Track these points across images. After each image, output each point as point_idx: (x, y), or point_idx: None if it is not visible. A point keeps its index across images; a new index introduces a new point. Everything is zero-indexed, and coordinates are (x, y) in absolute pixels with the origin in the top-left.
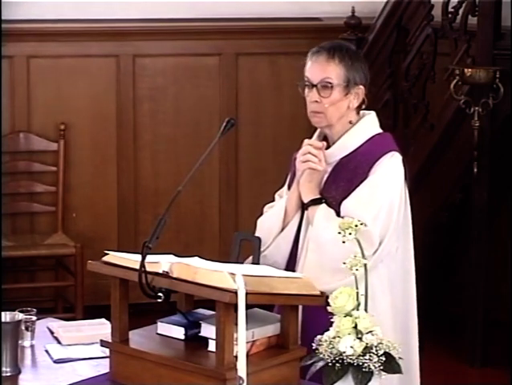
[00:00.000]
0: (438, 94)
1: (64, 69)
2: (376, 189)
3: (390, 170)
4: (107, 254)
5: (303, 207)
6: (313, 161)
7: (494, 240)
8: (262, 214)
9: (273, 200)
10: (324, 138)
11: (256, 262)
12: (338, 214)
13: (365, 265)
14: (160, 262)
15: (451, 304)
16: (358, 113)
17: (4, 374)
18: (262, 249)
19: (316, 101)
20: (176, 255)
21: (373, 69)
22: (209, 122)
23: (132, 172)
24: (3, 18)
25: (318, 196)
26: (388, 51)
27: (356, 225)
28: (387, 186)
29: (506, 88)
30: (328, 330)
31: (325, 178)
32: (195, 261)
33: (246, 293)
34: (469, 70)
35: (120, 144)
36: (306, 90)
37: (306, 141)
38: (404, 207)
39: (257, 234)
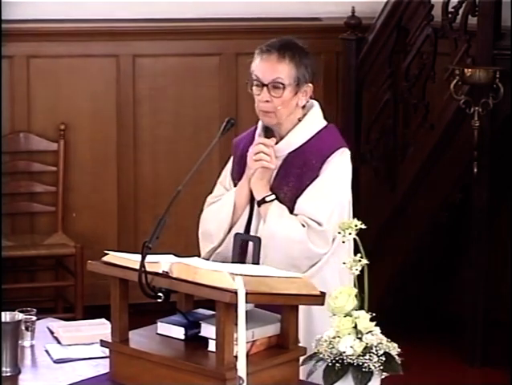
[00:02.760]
0: (438, 94)
1: (64, 69)
2: (329, 188)
3: (341, 167)
4: (107, 254)
5: (252, 202)
6: (265, 160)
7: (494, 240)
8: (203, 207)
9: (211, 192)
10: (266, 130)
11: (256, 262)
12: (290, 211)
13: (365, 265)
14: (160, 262)
15: (451, 304)
16: (304, 107)
17: (4, 374)
18: (212, 246)
19: (267, 101)
20: (176, 255)
21: (373, 69)
22: (209, 122)
23: (132, 172)
24: (3, 18)
25: (270, 193)
26: (388, 51)
27: (356, 225)
28: (339, 184)
29: (506, 88)
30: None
31: (274, 173)
32: (195, 261)
33: (246, 293)
34: (469, 70)
35: (120, 144)
36: (255, 88)
37: (258, 139)
38: (349, 202)
39: (203, 227)
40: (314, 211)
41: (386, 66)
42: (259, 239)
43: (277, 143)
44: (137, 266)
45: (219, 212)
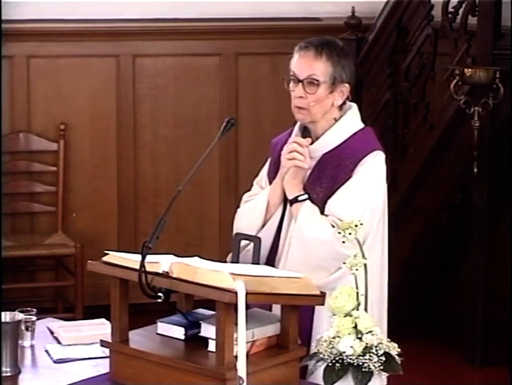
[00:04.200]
0: (438, 94)
1: (64, 69)
2: (361, 190)
3: (374, 170)
4: (107, 254)
5: (286, 201)
6: (299, 159)
7: (494, 240)
8: (239, 204)
9: (249, 190)
10: (305, 129)
11: (256, 262)
12: (322, 211)
13: (365, 265)
14: (160, 262)
15: (451, 304)
16: (341, 108)
17: (4, 374)
18: (244, 243)
19: (301, 96)
20: (176, 255)
21: (373, 69)
22: (209, 122)
23: (132, 172)
24: (3, 18)
25: (303, 193)
26: (388, 51)
27: (356, 225)
28: (371, 186)
29: (506, 88)
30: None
31: (308, 173)
32: (195, 261)
33: (246, 293)
34: (469, 70)
35: (120, 144)
36: (292, 84)
37: (292, 138)
38: (383, 206)
39: (237, 225)
40: (343, 212)
41: (386, 66)
42: (259, 239)
43: (312, 143)
44: (137, 266)
45: (252, 211)
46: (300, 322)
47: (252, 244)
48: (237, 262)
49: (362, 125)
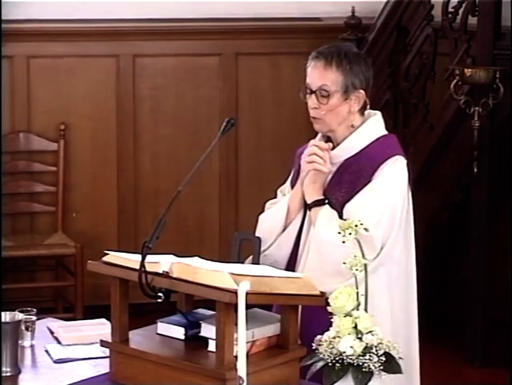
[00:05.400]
0: (438, 94)
1: (64, 69)
2: (379, 194)
3: (393, 174)
4: (107, 254)
5: (306, 207)
6: (318, 162)
7: (494, 239)
8: (263, 210)
9: (275, 197)
10: (328, 137)
11: (256, 262)
12: (341, 216)
13: (365, 265)
14: (160, 262)
15: (451, 304)
16: (363, 114)
17: (4, 374)
18: (263, 248)
19: (315, 107)
20: (176, 255)
21: (373, 69)
22: (209, 122)
23: (132, 172)
24: (3, 18)
25: (322, 197)
26: (388, 51)
27: (356, 225)
28: (390, 191)
29: (506, 88)
30: (328, 330)
31: (329, 179)
32: (195, 261)
33: (246, 293)
34: (469, 70)
35: (120, 144)
36: (307, 95)
37: (313, 142)
38: (407, 211)
39: (258, 231)
40: (361, 216)
41: (386, 66)
42: (259, 239)
43: (333, 148)
44: (137, 266)
45: (273, 216)
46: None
47: (273, 245)
48: (238, 262)
49: (385, 132)
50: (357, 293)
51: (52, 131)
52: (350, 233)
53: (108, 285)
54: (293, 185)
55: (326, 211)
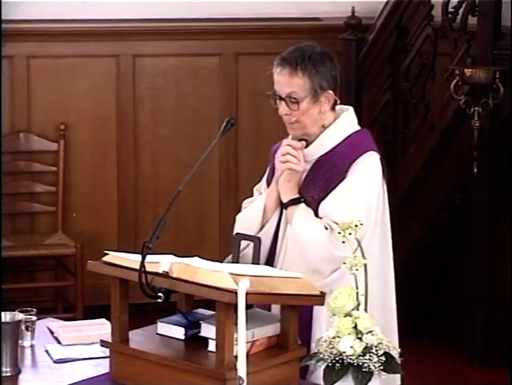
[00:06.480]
0: (438, 94)
1: (64, 69)
2: (354, 190)
3: (368, 170)
4: (107, 254)
5: (282, 206)
6: (292, 162)
7: (494, 239)
8: (240, 210)
9: (252, 195)
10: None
11: (256, 262)
12: (316, 214)
13: (365, 265)
14: (160, 262)
15: (451, 304)
16: (334, 110)
17: (4, 374)
18: (241, 248)
19: (287, 114)
20: (176, 255)
21: (373, 69)
22: (209, 122)
23: (132, 172)
24: (3, 18)
25: (297, 196)
26: (388, 51)
27: (356, 225)
28: (365, 187)
29: (506, 88)
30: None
31: (303, 177)
32: (195, 261)
33: (246, 293)
34: (469, 70)
35: (120, 144)
36: (277, 102)
37: (286, 141)
38: (382, 206)
39: (236, 230)
40: (337, 214)
41: (386, 66)
42: (259, 239)
43: (306, 146)
44: (137, 266)
45: (249, 216)
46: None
47: (250, 246)
48: (238, 262)
49: (358, 127)
50: (357, 293)
51: (52, 131)
52: (350, 233)
53: (108, 285)
54: (269, 183)
55: (302, 209)
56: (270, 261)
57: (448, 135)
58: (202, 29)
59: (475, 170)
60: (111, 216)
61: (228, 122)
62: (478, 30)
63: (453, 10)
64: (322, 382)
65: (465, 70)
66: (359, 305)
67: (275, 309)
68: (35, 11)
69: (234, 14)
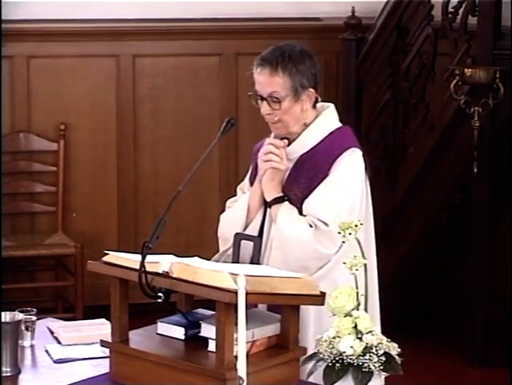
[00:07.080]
0: (438, 94)
1: (64, 69)
2: (337, 187)
3: (350, 167)
4: (107, 254)
5: (266, 204)
6: (275, 160)
7: (494, 239)
8: (224, 209)
9: (235, 195)
10: None
11: (256, 262)
12: (301, 212)
13: (365, 265)
14: (160, 262)
15: (451, 304)
16: (315, 107)
17: (4, 374)
18: (225, 248)
19: (269, 113)
20: (176, 255)
21: (373, 69)
22: (209, 122)
23: (132, 172)
24: (3, 18)
25: (281, 195)
26: (388, 51)
27: (356, 225)
28: (348, 184)
29: (506, 88)
30: None
31: (286, 175)
32: (195, 261)
33: (246, 293)
34: (469, 70)
35: (120, 144)
36: (259, 101)
37: (268, 140)
38: (366, 202)
39: (220, 230)
40: (321, 211)
41: (386, 66)
42: (259, 239)
43: (289, 145)
44: (137, 266)
45: (233, 215)
46: None
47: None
48: (237, 262)
49: (339, 124)
50: (357, 293)
51: (52, 131)
52: (350, 233)
53: (108, 285)
54: (252, 182)
55: (286, 208)
56: (256, 261)
57: (448, 135)
58: (202, 29)
59: (475, 170)
60: (111, 216)
61: (228, 122)
62: (478, 30)
63: (453, 10)
64: (322, 382)
65: (465, 70)
66: (359, 305)
67: (262, 305)
68: (35, 11)
69: (234, 14)
